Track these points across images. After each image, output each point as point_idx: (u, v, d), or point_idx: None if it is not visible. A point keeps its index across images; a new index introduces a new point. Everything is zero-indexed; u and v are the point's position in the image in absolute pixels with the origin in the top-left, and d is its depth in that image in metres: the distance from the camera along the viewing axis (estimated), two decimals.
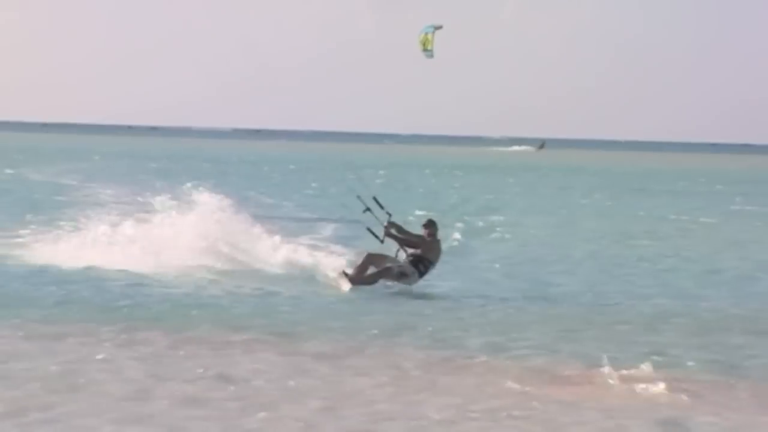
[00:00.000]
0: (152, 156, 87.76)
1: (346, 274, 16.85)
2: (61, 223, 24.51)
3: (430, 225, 16.75)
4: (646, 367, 12.38)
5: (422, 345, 13.63)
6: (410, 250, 16.69)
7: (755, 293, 20.25)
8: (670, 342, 14.69)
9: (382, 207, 17.25)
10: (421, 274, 16.52)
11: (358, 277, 16.62)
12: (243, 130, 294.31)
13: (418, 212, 33.85)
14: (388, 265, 16.53)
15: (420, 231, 17.08)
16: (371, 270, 16.71)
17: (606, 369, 12.21)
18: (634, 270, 23.29)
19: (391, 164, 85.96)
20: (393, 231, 16.76)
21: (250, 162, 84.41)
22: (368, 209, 17.14)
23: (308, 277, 18.61)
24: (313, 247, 21.84)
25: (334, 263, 18.53)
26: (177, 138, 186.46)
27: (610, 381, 11.93)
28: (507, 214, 38.31)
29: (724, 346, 14.57)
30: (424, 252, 16.40)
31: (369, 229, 17.30)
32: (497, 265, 22.69)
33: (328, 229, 28.22)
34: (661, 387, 11.65)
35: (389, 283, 17.11)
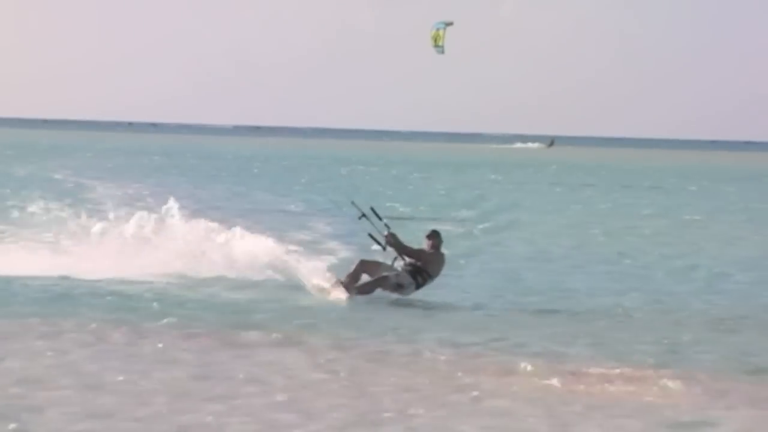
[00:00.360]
0: (147, 152, 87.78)
1: (341, 283, 15.86)
2: (43, 218, 23.89)
3: (434, 236, 15.84)
4: (608, 363, 12.52)
5: (381, 340, 13.50)
6: (408, 260, 15.84)
7: (727, 290, 20.27)
8: (634, 338, 14.71)
9: (380, 218, 16.30)
10: (419, 286, 15.68)
11: (353, 286, 15.76)
12: (243, 127, 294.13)
13: (401, 209, 34.29)
14: (385, 274, 15.66)
15: (423, 242, 16.15)
16: (364, 278, 15.89)
17: (564, 363, 12.34)
18: (613, 267, 23.36)
19: (388, 162, 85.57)
20: (391, 242, 15.86)
21: (244, 158, 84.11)
22: (363, 215, 16.32)
23: (281, 273, 17.74)
24: (300, 243, 21.68)
25: (310, 263, 17.49)
26: (176, 134, 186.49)
27: (566, 375, 11.91)
28: (497, 210, 38.22)
29: (687, 341, 14.58)
30: (424, 264, 15.61)
31: (371, 235, 16.23)
32: (471, 262, 22.55)
33: (317, 227, 27.82)
34: (619, 382, 11.77)
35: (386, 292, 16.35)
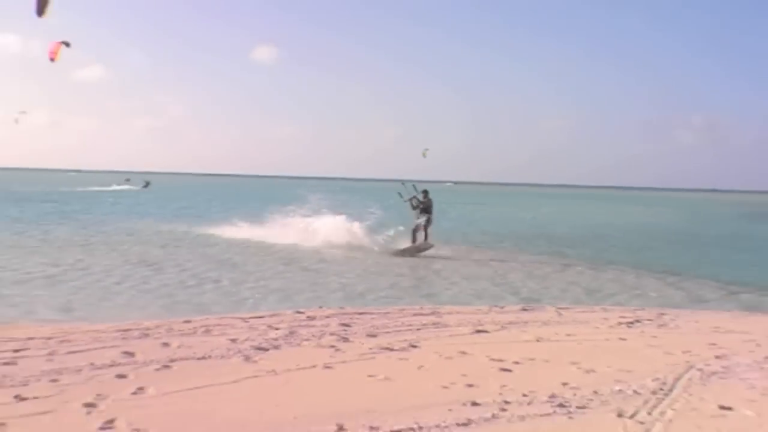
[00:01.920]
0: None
1: (412, 243, 18.60)
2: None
3: (426, 193, 19.01)
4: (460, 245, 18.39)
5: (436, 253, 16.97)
6: (421, 207, 19.10)
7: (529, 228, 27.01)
8: (479, 238, 21.37)
9: (413, 194, 19.24)
10: (428, 220, 18.95)
11: (415, 242, 18.78)
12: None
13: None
14: (418, 221, 19.06)
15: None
16: (415, 236, 18.84)
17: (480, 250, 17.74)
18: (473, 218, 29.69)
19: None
20: (413, 201, 19.18)
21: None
22: (399, 195, 19.60)
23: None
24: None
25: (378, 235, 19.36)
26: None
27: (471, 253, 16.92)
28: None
29: (473, 240, 20.74)
30: (425, 206, 19.06)
31: (399, 193, 19.34)
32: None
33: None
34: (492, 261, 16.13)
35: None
